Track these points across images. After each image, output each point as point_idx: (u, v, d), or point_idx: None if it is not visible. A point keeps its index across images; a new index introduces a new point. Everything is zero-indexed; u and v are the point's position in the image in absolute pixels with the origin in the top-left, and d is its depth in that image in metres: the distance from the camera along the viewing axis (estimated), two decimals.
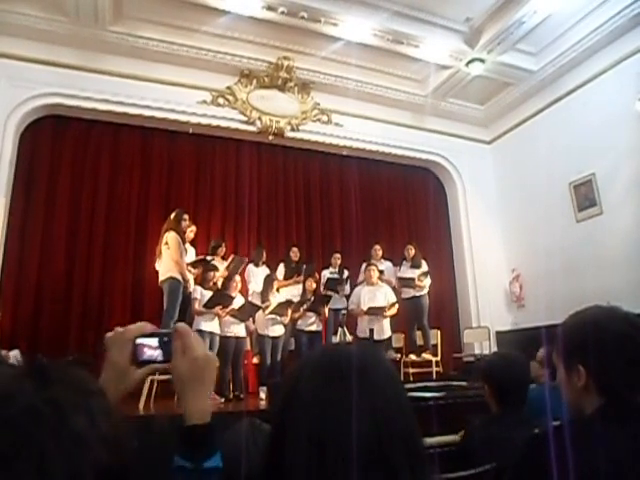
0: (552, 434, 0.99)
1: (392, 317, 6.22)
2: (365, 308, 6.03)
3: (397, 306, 6.22)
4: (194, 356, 0.80)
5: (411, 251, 6.92)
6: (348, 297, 6.45)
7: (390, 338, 6.31)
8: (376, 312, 6.01)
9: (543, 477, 0.96)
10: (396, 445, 0.64)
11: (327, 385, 0.67)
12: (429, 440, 2.80)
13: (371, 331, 5.94)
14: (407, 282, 6.70)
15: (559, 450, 0.92)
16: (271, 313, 5.67)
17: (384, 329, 6.06)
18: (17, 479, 0.45)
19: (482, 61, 7.03)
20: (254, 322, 5.82)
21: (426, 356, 6.64)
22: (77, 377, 0.56)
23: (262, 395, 5.44)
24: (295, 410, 0.68)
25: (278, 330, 5.78)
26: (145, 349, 0.83)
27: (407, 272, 6.81)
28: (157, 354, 0.83)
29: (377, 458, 0.63)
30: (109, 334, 0.84)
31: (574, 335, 1.09)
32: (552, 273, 7.12)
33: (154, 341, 0.83)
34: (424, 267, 6.84)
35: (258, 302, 5.78)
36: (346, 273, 6.71)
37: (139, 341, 0.83)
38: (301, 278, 6.28)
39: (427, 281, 6.77)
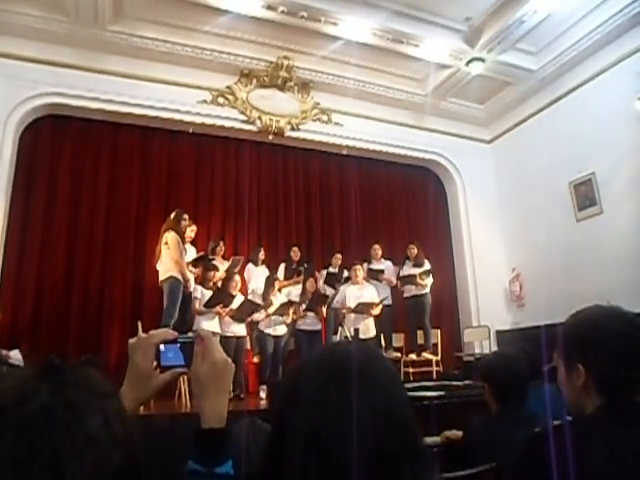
0: (552, 433, 0.99)
1: (377, 317, 6.24)
2: (352, 306, 6.06)
3: (381, 307, 6.25)
4: (213, 360, 0.81)
5: (413, 250, 6.93)
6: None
7: (376, 337, 6.32)
8: (363, 309, 6.05)
9: (543, 476, 0.96)
10: (397, 444, 0.64)
11: (327, 384, 0.67)
12: (429, 439, 2.80)
13: (356, 330, 5.98)
14: (409, 279, 6.72)
15: (559, 449, 0.93)
16: (274, 314, 5.68)
17: (369, 328, 6.12)
18: None
19: (482, 60, 7.02)
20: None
21: (426, 355, 6.65)
22: (91, 378, 0.56)
23: (262, 394, 5.44)
24: (295, 410, 0.68)
25: (281, 329, 5.79)
26: (168, 354, 0.85)
27: (410, 271, 6.82)
28: (179, 359, 0.84)
29: (378, 457, 0.63)
30: (132, 340, 0.85)
31: (574, 334, 1.09)
32: (552, 272, 7.11)
33: (176, 347, 0.85)
34: (426, 266, 6.85)
35: (258, 301, 5.79)
36: (345, 273, 6.71)
37: (162, 347, 0.84)
38: (301, 278, 6.30)
39: (429, 280, 6.77)
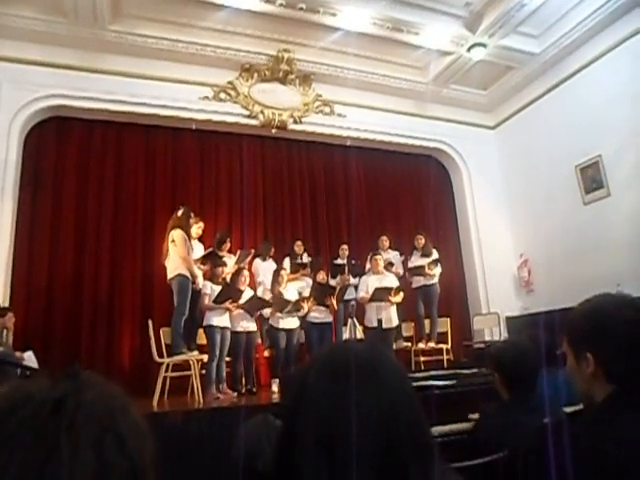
0: (562, 423, 0.99)
1: (399, 305, 6.18)
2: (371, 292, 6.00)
3: (402, 294, 6.16)
4: None
5: (421, 241, 6.90)
6: (356, 288, 6.45)
7: (399, 327, 6.31)
8: (382, 295, 5.95)
9: (556, 467, 0.97)
10: (405, 442, 0.65)
11: (334, 385, 0.68)
12: (441, 428, 2.81)
13: (379, 321, 5.94)
14: (417, 270, 6.71)
15: (569, 440, 0.93)
16: (284, 311, 5.68)
17: (392, 317, 6.03)
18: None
19: (484, 46, 6.96)
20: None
21: (431, 345, 6.66)
22: (103, 380, 0.58)
23: (274, 388, 5.48)
24: (303, 410, 0.68)
25: (292, 323, 5.80)
26: None
27: (418, 261, 6.81)
28: None
29: (386, 455, 0.64)
30: None
31: (583, 323, 1.09)
32: (560, 257, 7.09)
33: None
34: (434, 256, 6.83)
35: (267, 296, 5.81)
36: (355, 261, 6.70)
37: None
38: (307, 271, 6.30)
39: (437, 270, 6.76)
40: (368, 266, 6.52)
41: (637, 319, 1.02)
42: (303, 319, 5.99)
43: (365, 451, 0.62)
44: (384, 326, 5.94)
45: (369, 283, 6.14)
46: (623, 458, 0.90)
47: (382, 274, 6.20)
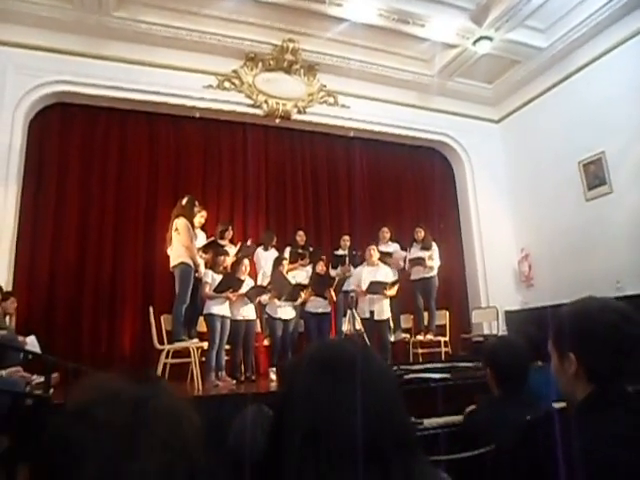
0: (545, 420, 1.03)
1: (392, 298, 6.21)
2: (365, 286, 6.04)
3: (397, 287, 6.20)
4: None
5: (420, 233, 6.92)
6: None
7: (396, 318, 6.34)
8: (377, 289, 5.98)
9: (538, 462, 1.01)
10: (388, 438, 0.68)
11: (320, 382, 0.71)
12: (435, 420, 2.86)
13: (372, 312, 5.99)
14: (417, 261, 6.74)
15: (551, 435, 0.96)
16: (277, 295, 5.74)
17: (384, 310, 6.08)
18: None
19: (490, 39, 6.91)
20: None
21: (429, 337, 6.70)
22: (172, 388, 0.63)
23: (272, 376, 5.54)
24: (291, 406, 0.72)
25: (289, 313, 5.86)
26: None
27: (417, 253, 6.84)
28: None
29: (369, 451, 0.67)
30: None
31: (567, 325, 1.12)
32: (561, 252, 7.12)
33: None
34: (434, 248, 6.86)
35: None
36: (356, 252, 6.73)
37: None
38: (306, 261, 6.33)
39: (436, 262, 6.79)
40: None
41: (619, 323, 1.05)
42: (302, 309, 6.04)
43: (349, 446, 0.66)
44: (376, 318, 6.00)
45: (362, 275, 6.17)
46: (601, 454, 0.93)
47: (376, 266, 6.24)
